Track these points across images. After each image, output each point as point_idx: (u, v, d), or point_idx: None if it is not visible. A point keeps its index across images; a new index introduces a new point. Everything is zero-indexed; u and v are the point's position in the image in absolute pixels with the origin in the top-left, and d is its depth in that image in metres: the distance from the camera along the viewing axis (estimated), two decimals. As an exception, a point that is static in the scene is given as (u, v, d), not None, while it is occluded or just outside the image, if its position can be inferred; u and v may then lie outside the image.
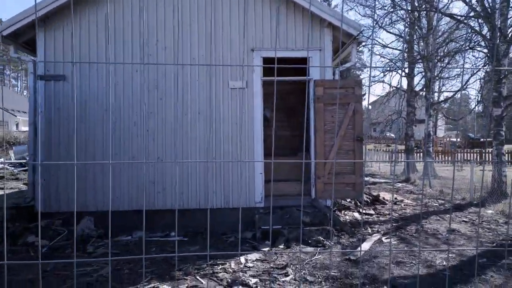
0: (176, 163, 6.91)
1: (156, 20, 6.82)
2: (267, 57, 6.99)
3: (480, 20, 10.92)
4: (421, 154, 19.51)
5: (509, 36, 10.28)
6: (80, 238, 6.24)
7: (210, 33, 6.83)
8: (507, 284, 4.27)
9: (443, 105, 22.46)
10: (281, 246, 5.80)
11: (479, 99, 14.48)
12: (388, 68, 18.50)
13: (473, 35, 11.72)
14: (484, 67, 12.60)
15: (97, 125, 6.76)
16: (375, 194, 9.81)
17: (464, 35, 12.72)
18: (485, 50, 11.31)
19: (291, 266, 4.89)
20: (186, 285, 4.29)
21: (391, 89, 19.44)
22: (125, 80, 6.75)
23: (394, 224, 7.22)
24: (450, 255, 5.33)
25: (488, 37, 10.46)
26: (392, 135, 43.23)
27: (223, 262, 5.07)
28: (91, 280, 4.55)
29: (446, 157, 24.85)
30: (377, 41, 18.55)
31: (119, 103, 6.74)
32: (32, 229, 6.34)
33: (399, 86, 17.15)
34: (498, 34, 9.94)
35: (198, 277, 4.53)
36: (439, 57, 14.88)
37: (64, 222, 6.71)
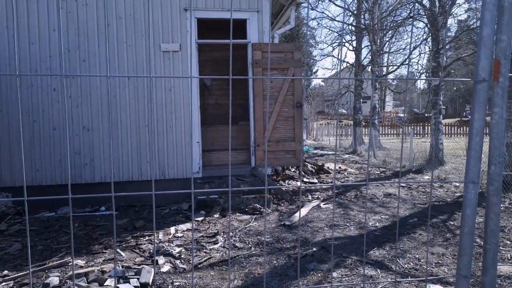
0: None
1: (76, -27, 6.10)
2: (202, 18, 6.51)
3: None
4: (369, 128, 20.01)
5: (448, 5, 10.48)
6: (-5, 216, 5.61)
7: (138, -10, 6.23)
8: (433, 240, 4.31)
9: (390, 81, 23.09)
10: (216, 215, 5.55)
11: (421, 72, 14.90)
12: (337, 42, 18.58)
13: (415, 5, 11.88)
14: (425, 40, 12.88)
15: (12, 92, 6.02)
16: (320, 164, 9.82)
17: (407, 4, 12.90)
18: (425, 20, 11.51)
19: (222, 234, 4.65)
20: (103, 258, 3.92)
21: (337, 64, 19.55)
22: (41, 40, 6.02)
23: (335, 191, 7.22)
24: (383, 217, 5.35)
25: (428, 6, 10.61)
26: (344, 111, 44.44)
27: (150, 233, 4.73)
28: (-4, 259, 4.05)
29: (392, 131, 25.81)
30: (326, 14, 18.48)
31: (36, 66, 6.02)
32: None
33: (345, 58, 17.37)
34: (437, 4, 10.09)
35: (118, 250, 4.17)
36: (384, 30, 15.05)
37: (-22, 200, 6.01)
